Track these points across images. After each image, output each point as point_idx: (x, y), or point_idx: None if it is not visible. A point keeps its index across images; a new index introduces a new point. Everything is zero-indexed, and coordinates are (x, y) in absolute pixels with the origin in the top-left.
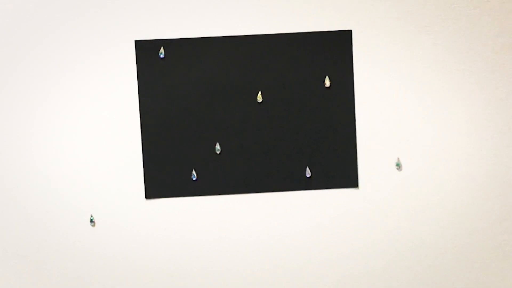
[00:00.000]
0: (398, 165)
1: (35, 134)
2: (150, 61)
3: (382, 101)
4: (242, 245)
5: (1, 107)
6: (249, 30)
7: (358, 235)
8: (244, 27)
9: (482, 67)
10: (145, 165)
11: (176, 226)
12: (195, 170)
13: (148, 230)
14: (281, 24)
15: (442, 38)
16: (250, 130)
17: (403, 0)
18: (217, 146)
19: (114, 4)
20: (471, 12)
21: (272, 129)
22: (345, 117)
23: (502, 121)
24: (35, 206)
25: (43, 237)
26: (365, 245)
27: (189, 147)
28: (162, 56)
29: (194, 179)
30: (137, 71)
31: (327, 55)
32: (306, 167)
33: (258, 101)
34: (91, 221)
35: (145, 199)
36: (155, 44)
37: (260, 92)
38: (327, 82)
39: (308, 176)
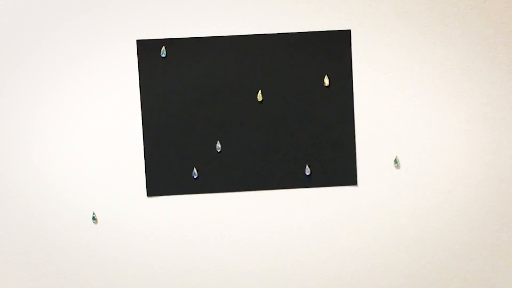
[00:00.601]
0: (397, 163)
1: (36, 133)
2: (152, 61)
3: (381, 100)
4: (243, 242)
5: (4, 106)
6: (249, 30)
7: (357, 232)
8: (244, 27)
9: (480, 66)
10: (147, 163)
11: (177, 224)
12: (196, 168)
13: (150, 227)
14: (281, 24)
15: (440, 37)
16: (250, 129)
17: (401, 0)
18: (218, 145)
19: (116, 4)
20: (469, 12)
21: (272, 127)
22: (344, 116)
23: (500, 119)
24: (38, 204)
25: (45, 234)
26: (364, 242)
27: (190, 145)
28: (163, 55)
29: (195, 177)
30: (138, 70)
31: (326, 54)
32: (305, 165)
33: (258, 100)
34: (93, 218)
35: (146, 196)
36: (157, 43)
37: (260, 91)
38: (326, 81)
39: (307, 174)
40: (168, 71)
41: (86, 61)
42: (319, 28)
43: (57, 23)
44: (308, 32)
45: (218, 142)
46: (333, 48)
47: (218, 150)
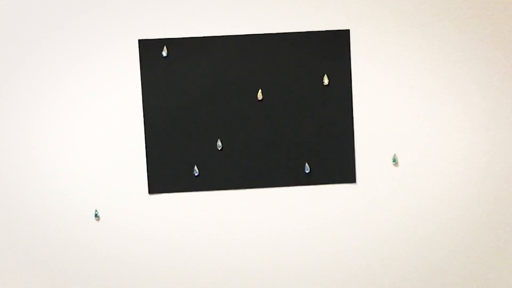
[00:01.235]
0: (395, 161)
1: (39, 131)
2: (153, 60)
3: (379, 98)
4: (243, 239)
5: (7, 105)
6: (249, 29)
7: (355, 229)
8: (244, 27)
9: (478, 65)
10: (148, 161)
11: (179, 221)
12: (197, 166)
13: (151, 224)
14: (281, 24)
15: (438, 37)
16: (250, 127)
17: (400, 0)
18: (219, 143)
19: (118, 4)
20: (467, 12)
21: (272, 126)
22: (343, 114)
23: (497, 118)
24: (41, 202)
25: (49, 231)
26: (362, 239)
27: (191, 143)
28: (165, 55)
29: (196, 174)
30: (140, 70)
31: (326, 54)
32: (305, 163)
33: (258, 98)
34: (96, 215)
35: (148, 194)
36: (158, 43)
37: (260, 90)
38: (326, 80)
39: (307, 171)
40: (170, 70)
41: (88, 60)
42: (318, 28)
43: (59, 23)
44: (308, 32)
45: (219, 140)
46: (332, 48)
47: (219, 148)
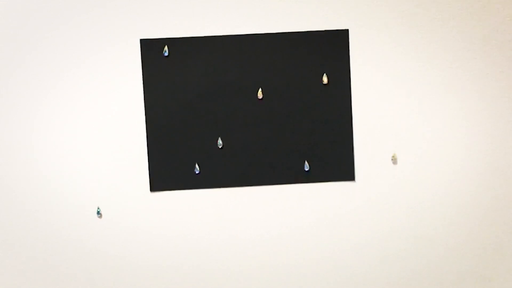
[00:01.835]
0: (394, 159)
1: (43, 130)
2: (155, 59)
3: (378, 97)
4: (244, 236)
5: (11, 104)
6: (250, 29)
7: (354, 226)
8: (245, 27)
9: (476, 64)
10: (150, 159)
11: (180, 218)
12: (198, 164)
13: (153, 221)
14: (281, 23)
15: (436, 36)
16: (251, 126)
17: (398, 0)
18: (219, 141)
19: (120, 4)
20: (464, 12)
21: (272, 124)
22: (342, 113)
23: (495, 116)
24: (44, 199)
25: (52, 228)
26: (361, 235)
27: (192, 141)
28: (166, 54)
29: (197, 172)
30: (142, 69)
31: (325, 53)
32: (304, 161)
33: (258, 97)
34: (98, 213)
35: (150, 192)
36: (160, 42)
37: (260, 89)
38: (325, 79)
39: (306, 169)
40: (171, 70)
41: (91, 59)
42: (318, 27)
43: (62, 23)
44: (307, 31)
45: (220, 138)
46: (332, 47)
47: (220, 147)
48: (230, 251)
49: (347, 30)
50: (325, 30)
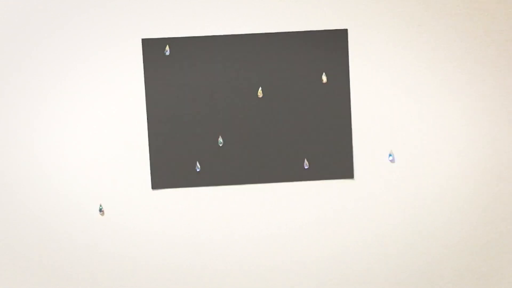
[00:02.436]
0: (392, 157)
1: (45, 128)
2: (156, 58)
3: (376, 96)
4: (244, 233)
5: (13, 103)
6: (250, 29)
7: (353, 223)
8: (245, 27)
9: (473, 63)
10: (152, 157)
11: (181, 215)
12: (199, 162)
13: (154, 218)
14: (281, 23)
15: (434, 36)
16: (251, 124)
17: (396, 1)
18: (220, 139)
19: (122, 4)
20: (462, 12)
21: (272, 123)
22: (341, 112)
23: (492, 115)
24: (47, 197)
25: (54, 225)
26: (359, 232)
27: (193, 140)
28: (167, 53)
29: (198, 170)
30: (143, 68)
31: (324, 52)
32: (304, 159)
33: (258, 96)
34: (100, 210)
35: (151, 189)
36: (161, 42)
37: (260, 88)
38: (324, 78)
39: (306, 167)
40: (172, 69)
41: (93, 58)
42: (317, 27)
43: (64, 22)
44: (307, 31)
45: (220, 137)
46: (331, 47)
47: (220, 145)
48: (230, 248)
49: (346, 30)
50: (324, 30)
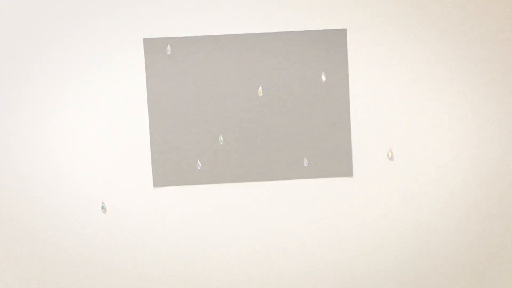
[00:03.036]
0: (390, 155)
1: (47, 127)
2: (158, 58)
3: (375, 95)
4: (244, 230)
5: (16, 103)
6: (250, 29)
7: (352, 220)
8: (245, 26)
9: (471, 63)
10: (153, 155)
11: (182, 213)
12: (200, 160)
13: (156, 216)
14: (280, 23)
15: (432, 36)
16: (251, 123)
17: (395, 1)
18: (221, 138)
19: (124, 4)
20: (459, 13)
21: (271, 121)
22: (340, 110)
23: (490, 114)
24: (51, 195)
25: (57, 222)
26: (358, 229)
27: (194, 138)
28: (169, 53)
29: (199, 168)
30: (145, 67)
31: (324, 52)
32: (303, 157)
33: (259, 95)
34: (102, 207)
35: (153, 187)
36: (163, 41)
37: (260, 87)
38: (323, 78)
39: (305, 165)
40: (173, 68)
41: (96, 58)
42: (316, 27)
43: (66, 23)
44: (306, 31)
45: (221, 135)
46: (330, 46)
47: (221, 143)
48: (231, 245)
49: (345, 30)
50: (324, 30)
